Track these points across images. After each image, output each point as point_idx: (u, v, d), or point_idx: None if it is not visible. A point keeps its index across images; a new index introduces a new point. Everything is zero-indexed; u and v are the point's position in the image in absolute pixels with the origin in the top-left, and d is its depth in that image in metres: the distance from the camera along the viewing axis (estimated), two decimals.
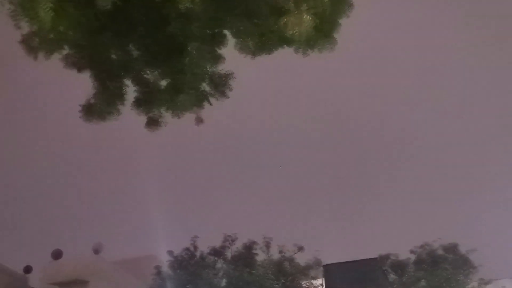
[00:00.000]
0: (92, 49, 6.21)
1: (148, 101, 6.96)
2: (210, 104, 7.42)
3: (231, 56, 7.04)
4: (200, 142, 33.93)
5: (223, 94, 7.41)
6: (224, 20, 6.15)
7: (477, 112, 33.66)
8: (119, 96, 6.85)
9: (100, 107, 6.79)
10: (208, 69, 6.84)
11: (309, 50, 6.43)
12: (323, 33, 6.18)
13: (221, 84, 7.31)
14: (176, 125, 7.82)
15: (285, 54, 7.03)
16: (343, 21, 6.53)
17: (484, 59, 31.36)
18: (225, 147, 35.75)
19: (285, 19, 5.41)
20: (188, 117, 7.71)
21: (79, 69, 6.68)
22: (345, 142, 36.72)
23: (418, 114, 35.68)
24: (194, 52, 6.11)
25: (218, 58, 6.96)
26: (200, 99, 7.18)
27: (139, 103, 7.04)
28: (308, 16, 5.33)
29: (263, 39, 6.39)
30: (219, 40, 6.69)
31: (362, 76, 33.13)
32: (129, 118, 7.50)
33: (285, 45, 6.54)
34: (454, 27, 30.79)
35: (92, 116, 6.90)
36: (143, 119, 7.58)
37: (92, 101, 6.83)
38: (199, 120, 7.63)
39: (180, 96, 6.68)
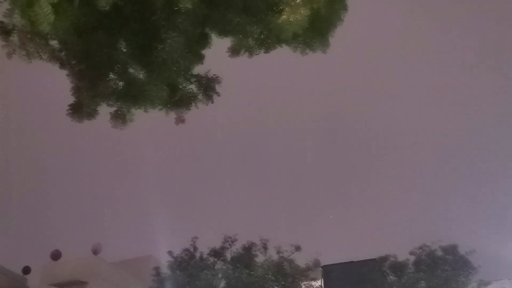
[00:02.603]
0: (83, 47, 6.17)
1: (124, 93, 6.91)
2: (197, 106, 7.41)
3: (230, 57, 7.04)
4: (200, 143, 33.96)
5: (209, 98, 7.40)
6: (222, 18, 6.16)
7: (477, 113, 33.69)
8: (107, 95, 6.79)
9: (87, 106, 6.72)
10: (188, 67, 6.82)
11: (307, 49, 6.44)
12: (318, 31, 6.20)
13: (209, 88, 7.29)
14: (176, 127, 7.81)
15: (282, 56, 7.02)
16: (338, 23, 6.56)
17: (478, 60, 31.49)
18: (224, 148, 35.75)
19: (281, 7, 5.46)
20: (187, 119, 7.68)
21: (62, 65, 6.65)
22: (344, 143, 36.75)
23: (418, 115, 35.70)
24: (172, 44, 6.09)
25: (200, 57, 6.95)
26: (184, 99, 7.15)
27: (117, 97, 6.99)
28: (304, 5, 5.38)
29: (261, 37, 6.40)
30: (205, 40, 6.70)
31: (358, 77, 33.21)
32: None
33: (283, 44, 6.54)
34: (447, 29, 30.96)
35: (81, 116, 6.84)
36: (142, 120, 7.55)
37: (78, 99, 6.77)
38: (180, 120, 7.56)
39: (149, 86, 6.62)
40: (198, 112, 7.71)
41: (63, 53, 6.54)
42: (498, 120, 32.89)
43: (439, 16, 30.84)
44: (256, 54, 6.76)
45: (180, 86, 7.05)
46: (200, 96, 7.45)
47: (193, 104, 7.47)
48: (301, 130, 35.83)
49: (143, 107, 7.06)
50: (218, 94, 7.50)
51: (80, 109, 6.82)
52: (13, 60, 6.41)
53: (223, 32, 6.49)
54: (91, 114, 6.90)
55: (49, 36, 6.11)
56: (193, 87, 7.31)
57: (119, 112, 7.11)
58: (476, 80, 32.81)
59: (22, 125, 32.05)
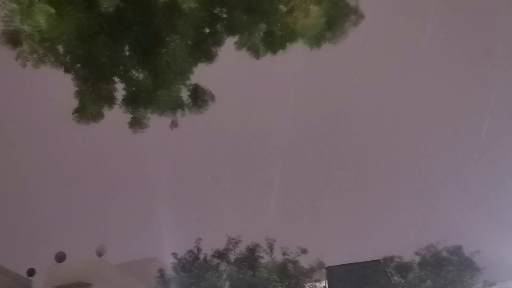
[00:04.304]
0: (87, 51, 6.16)
1: (134, 99, 6.89)
2: (184, 113, 7.34)
3: (234, 57, 7.03)
4: (204, 145, 34.03)
5: (199, 108, 7.33)
6: (228, 16, 6.16)
7: (482, 114, 33.60)
8: (109, 98, 6.77)
9: (91, 108, 6.71)
10: (190, 68, 6.77)
11: (315, 45, 6.44)
12: (329, 26, 6.20)
13: (201, 99, 7.25)
14: (179, 129, 7.81)
15: (283, 58, 7.01)
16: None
17: (479, 59, 31.45)
18: (228, 150, 35.80)
19: (293, 14, 5.46)
20: (190, 121, 7.66)
21: (67, 70, 6.65)
22: (348, 145, 36.74)
23: (423, 116, 35.64)
24: (175, 47, 6.07)
25: (209, 58, 6.92)
26: (177, 102, 7.11)
27: (127, 102, 6.97)
28: (315, 7, 5.36)
29: (269, 38, 6.39)
30: (215, 39, 6.67)
31: (361, 78, 33.20)
32: None
33: (292, 42, 6.53)
34: (447, 31, 30.99)
35: (86, 119, 6.83)
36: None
37: (81, 102, 6.77)
38: (174, 124, 7.48)
39: (159, 91, 6.60)
40: (202, 114, 7.69)
41: (68, 57, 6.52)
42: (504, 121, 32.83)
43: (439, 18, 30.89)
44: (263, 56, 6.74)
45: (180, 93, 7.00)
46: (190, 105, 7.37)
47: (179, 111, 7.38)
48: (305, 131, 35.86)
49: (157, 111, 7.04)
50: (205, 108, 7.39)
51: (85, 112, 6.81)
52: (13, 63, 6.39)
53: (231, 31, 6.48)
54: (96, 116, 6.89)
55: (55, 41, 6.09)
56: (184, 94, 7.24)
57: (136, 118, 7.10)
58: (480, 80, 32.76)
59: (27, 126, 32.19)
